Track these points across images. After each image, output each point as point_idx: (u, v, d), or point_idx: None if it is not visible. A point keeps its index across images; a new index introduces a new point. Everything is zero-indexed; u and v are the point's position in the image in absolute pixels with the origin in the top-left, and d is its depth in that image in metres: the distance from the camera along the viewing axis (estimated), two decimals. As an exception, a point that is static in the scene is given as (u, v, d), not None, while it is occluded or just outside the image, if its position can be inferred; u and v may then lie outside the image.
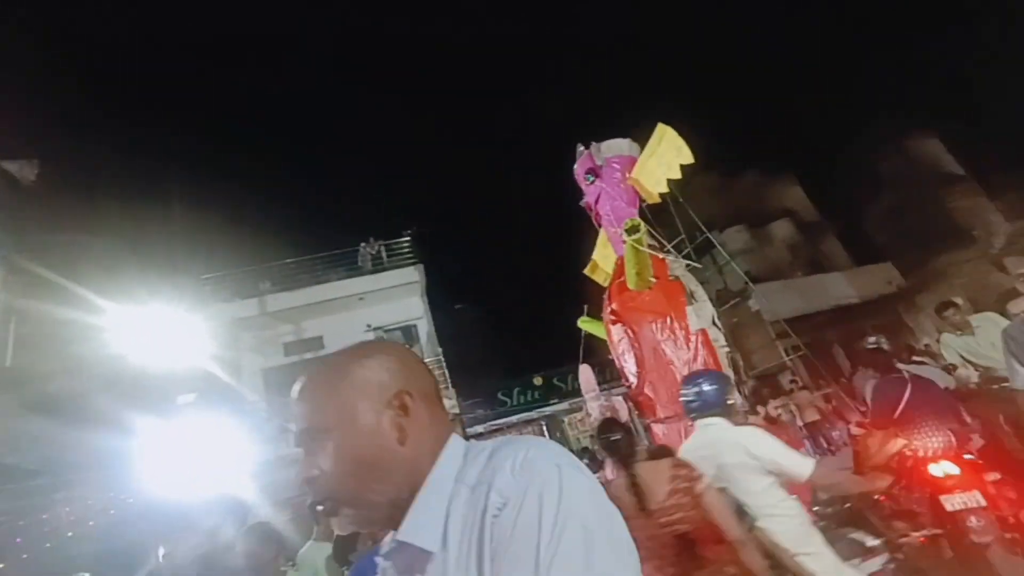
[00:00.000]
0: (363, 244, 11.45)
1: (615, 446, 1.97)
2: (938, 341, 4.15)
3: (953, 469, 2.31)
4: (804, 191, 19.36)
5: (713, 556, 1.73)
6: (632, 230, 3.84)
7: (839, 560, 2.04)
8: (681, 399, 2.42)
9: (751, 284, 9.45)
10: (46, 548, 6.61)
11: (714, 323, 4.39)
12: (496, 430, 10.92)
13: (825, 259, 18.24)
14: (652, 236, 5.04)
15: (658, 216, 5.78)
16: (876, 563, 2.39)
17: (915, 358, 4.47)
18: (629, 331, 4.53)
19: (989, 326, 3.56)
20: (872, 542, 2.51)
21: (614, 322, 4.73)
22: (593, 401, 4.94)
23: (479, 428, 10.54)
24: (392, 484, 0.66)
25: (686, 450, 2.21)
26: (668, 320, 4.36)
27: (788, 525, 2.03)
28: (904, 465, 2.49)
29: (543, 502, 0.56)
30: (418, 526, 0.64)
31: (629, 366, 4.53)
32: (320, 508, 0.67)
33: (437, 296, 11.35)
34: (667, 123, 5.03)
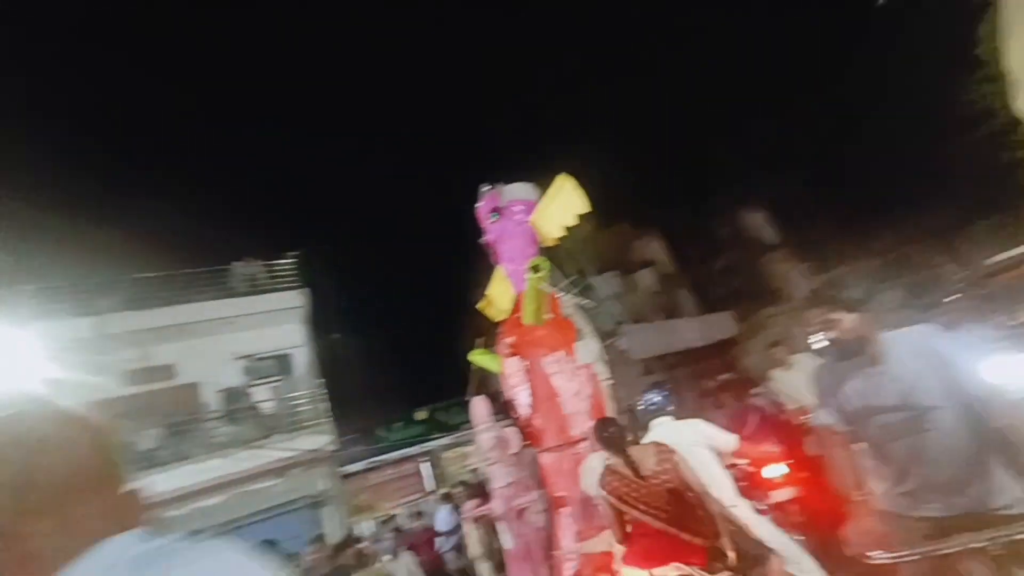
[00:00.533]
0: (238, 263, 10.48)
1: (611, 438, 2.67)
2: (767, 378, 5.09)
3: (781, 471, 3.19)
4: (665, 245, 22.12)
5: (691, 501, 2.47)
6: (535, 268, 4.17)
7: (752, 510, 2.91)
8: (639, 406, 3.36)
9: (620, 325, 10.49)
10: None
11: (599, 358, 4.89)
12: (373, 468, 10.46)
13: (678, 307, 20.95)
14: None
15: (547, 258, 6.30)
16: None
17: (752, 391, 5.41)
18: (525, 363, 4.83)
19: (803, 365, 4.51)
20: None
21: (510, 355, 5.00)
22: (485, 432, 5.10)
23: (357, 466, 10.00)
24: None
25: (651, 438, 3.07)
26: (561, 354, 4.76)
27: (725, 485, 2.88)
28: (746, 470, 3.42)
29: None
30: None
31: (522, 397, 4.80)
32: None
33: (319, 323, 10.73)
34: (556, 169, 5.59)
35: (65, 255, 9.55)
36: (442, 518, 7.87)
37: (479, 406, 5.28)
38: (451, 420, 11.00)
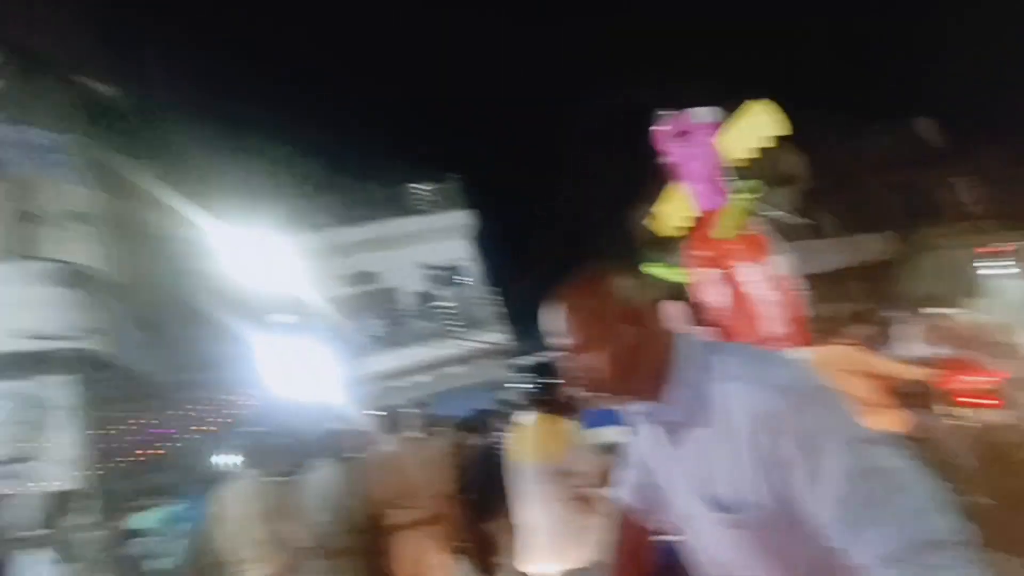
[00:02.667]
0: (417, 185, 12.07)
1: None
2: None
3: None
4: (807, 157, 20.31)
5: None
6: (748, 190, 4.74)
7: None
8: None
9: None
10: (192, 439, 7.65)
11: (793, 271, 5.43)
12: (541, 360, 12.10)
13: (823, 225, 19.60)
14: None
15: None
16: None
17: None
18: (719, 273, 5.55)
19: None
20: None
21: (702, 266, 5.73)
22: (679, 330, 6.02)
23: (528, 359, 11.70)
24: (653, 376, 0.83)
25: None
26: (755, 265, 5.39)
27: None
28: None
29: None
30: (675, 403, 0.82)
31: (716, 304, 5.57)
32: (592, 395, 0.85)
33: (486, 238, 12.18)
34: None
35: (297, 178, 11.70)
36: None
37: (670, 308, 6.15)
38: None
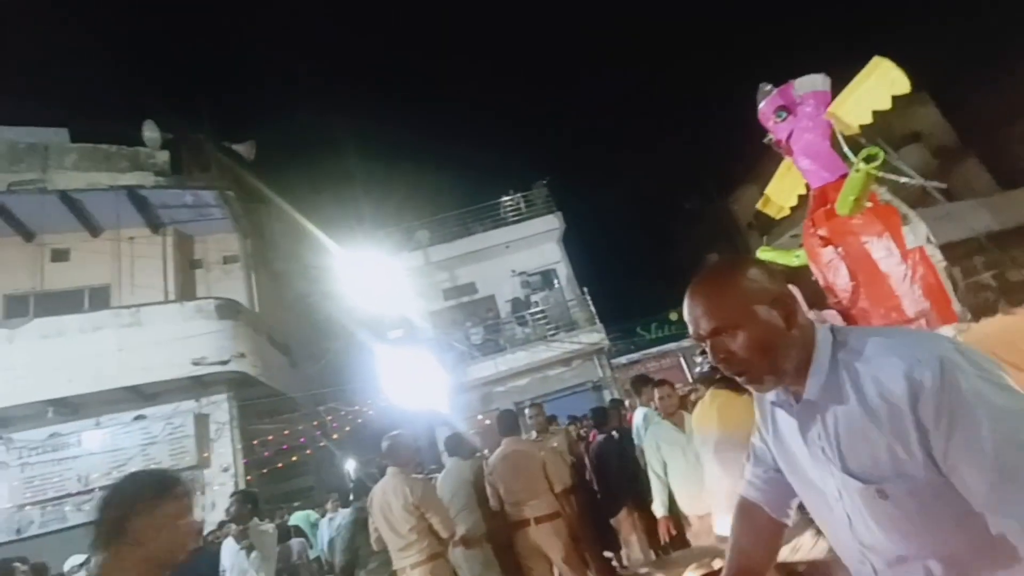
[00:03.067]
0: (504, 197, 12.42)
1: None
2: None
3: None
4: (940, 111, 17.80)
5: None
6: (868, 158, 4.30)
7: None
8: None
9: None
10: (320, 448, 8.53)
11: (928, 240, 4.82)
12: (636, 362, 11.84)
13: (963, 184, 17.00)
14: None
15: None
16: None
17: None
18: (842, 251, 5.07)
19: None
20: None
21: (824, 245, 5.27)
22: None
23: (622, 359, 11.51)
24: (788, 358, 0.85)
25: None
26: (884, 239, 4.86)
27: None
28: None
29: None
30: (817, 387, 0.84)
31: (841, 283, 5.10)
32: (739, 378, 0.88)
33: (573, 240, 12.20)
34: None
35: (392, 204, 12.64)
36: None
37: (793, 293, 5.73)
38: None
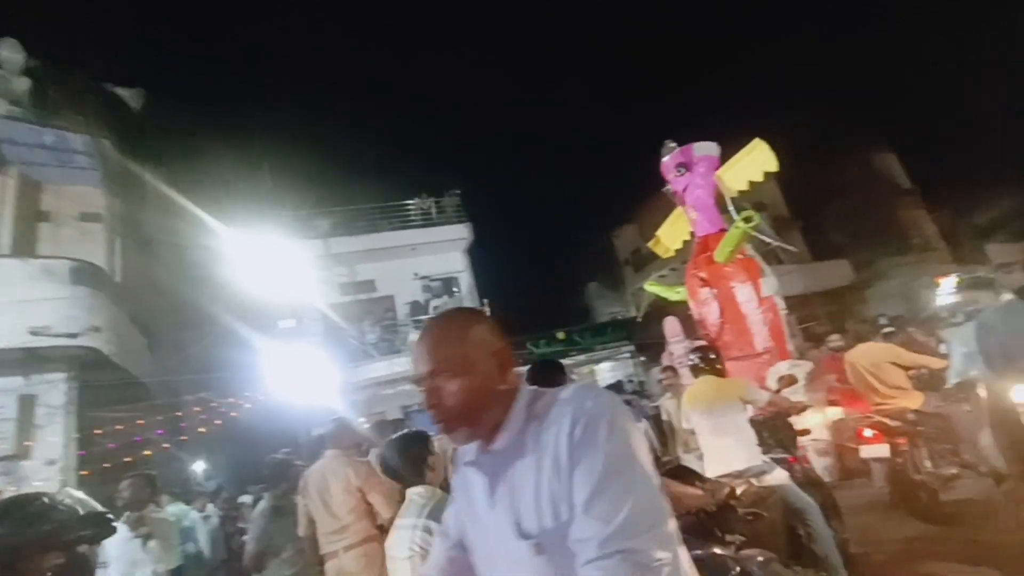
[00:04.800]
0: (416, 199, 12.39)
1: (708, 359, 3.17)
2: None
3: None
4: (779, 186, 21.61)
5: None
6: (747, 219, 5.33)
7: None
8: (688, 360, 3.38)
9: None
10: (182, 442, 7.64)
11: (776, 292, 6.06)
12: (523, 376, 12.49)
13: (786, 253, 20.89)
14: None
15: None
16: None
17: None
18: (716, 292, 6.13)
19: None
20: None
21: (702, 285, 6.30)
22: (678, 344, 6.56)
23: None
24: (491, 412, 0.87)
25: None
26: (747, 286, 5.99)
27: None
28: None
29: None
30: (506, 440, 0.86)
31: (711, 319, 6.13)
32: (440, 426, 0.87)
33: (478, 253, 12.57)
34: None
35: (300, 189, 11.86)
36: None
37: (671, 323, 6.71)
38: (584, 341, 12.72)
